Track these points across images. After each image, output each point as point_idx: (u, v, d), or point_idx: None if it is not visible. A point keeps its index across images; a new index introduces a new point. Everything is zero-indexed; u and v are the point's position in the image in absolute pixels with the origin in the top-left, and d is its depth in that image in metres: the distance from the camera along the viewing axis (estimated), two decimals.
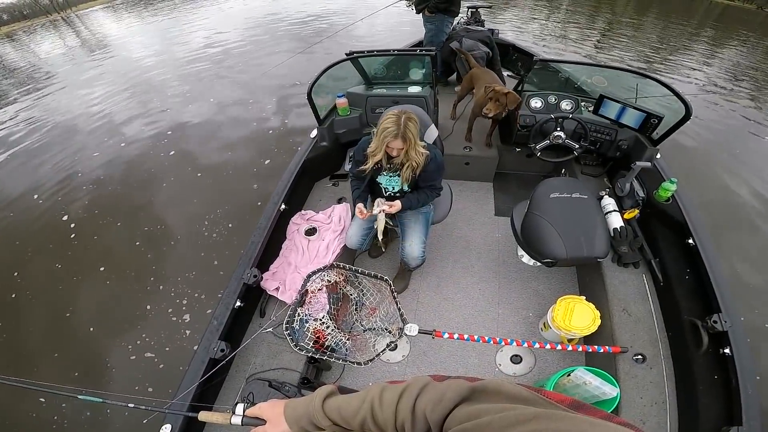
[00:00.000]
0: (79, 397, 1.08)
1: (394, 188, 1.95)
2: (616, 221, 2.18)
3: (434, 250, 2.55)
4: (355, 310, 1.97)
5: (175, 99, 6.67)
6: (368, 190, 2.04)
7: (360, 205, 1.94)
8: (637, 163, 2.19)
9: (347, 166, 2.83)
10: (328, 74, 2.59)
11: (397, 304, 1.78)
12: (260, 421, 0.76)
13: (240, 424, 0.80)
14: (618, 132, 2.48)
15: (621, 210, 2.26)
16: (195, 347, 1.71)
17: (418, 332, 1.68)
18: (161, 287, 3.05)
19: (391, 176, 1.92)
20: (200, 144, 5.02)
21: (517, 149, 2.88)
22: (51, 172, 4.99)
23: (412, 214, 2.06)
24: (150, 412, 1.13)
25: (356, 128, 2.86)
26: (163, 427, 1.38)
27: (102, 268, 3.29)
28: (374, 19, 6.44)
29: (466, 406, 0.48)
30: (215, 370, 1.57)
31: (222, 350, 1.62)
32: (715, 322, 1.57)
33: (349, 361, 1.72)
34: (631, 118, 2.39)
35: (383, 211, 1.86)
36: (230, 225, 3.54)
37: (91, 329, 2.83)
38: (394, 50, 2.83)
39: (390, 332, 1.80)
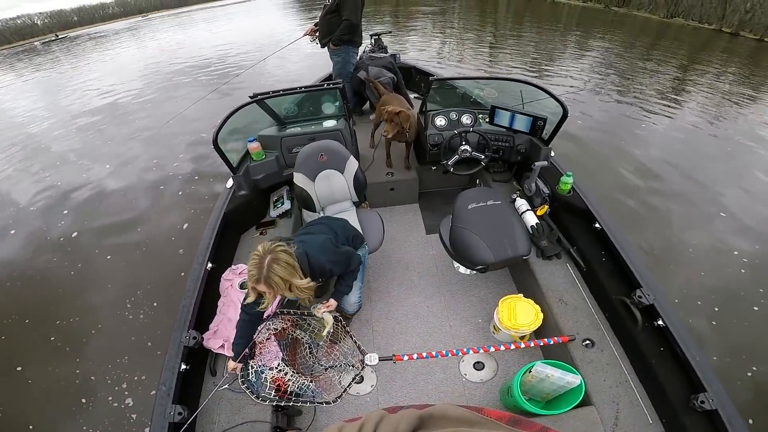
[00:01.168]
0: None
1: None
2: (531, 219, 2.39)
3: (377, 277, 2.59)
4: (309, 351, 1.95)
5: (69, 165, 5.94)
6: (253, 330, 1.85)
7: (231, 364, 1.73)
8: (536, 163, 2.43)
9: (273, 212, 2.75)
10: (238, 119, 2.51)
11: (352, 338, 1.79)
12: None
13: None
14: (514, 138, 2.73)
15: (533, 208, 2.49)
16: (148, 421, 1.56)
17: (379, 360, 1.70)
18: (92, 377, 2.73)
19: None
20: (104, 219, 4.49)
21: (433, 167, 3.06)
22: None
23: None
24: None
25: (275, 171, 2.80)
26: None
27: (19, 368, 2.87)
28: (288, 54, 6.45)
29: None
30: None
31: (180, 413, 1.53)
32: (640, 297, 1.71)
33: (317, 402, 1.72)
34: (521, 123, 2.66)
35: (324, 312, 1.82)
36: (155, 304, 3.25)
37: (31, 427, 2.49)
38: (301, 87, 2.86)
39: (353, 366, 1.81)
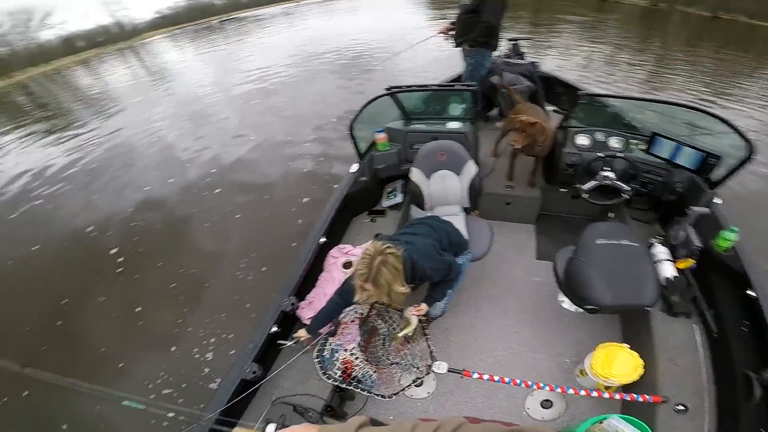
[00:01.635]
0: (123, 403, 1.17)
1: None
2: (668, 271, 2.02)
3: (471, 288, 2.48)
4: (383, 343, 1.98)
5: (220, 134, 7.04)
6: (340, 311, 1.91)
7: (303, 331, 1.84)
8: (694, 208, 2.03)
9: (385, 202, 2.84)
10: (369, 109, 2.65)
11: (427, 341, 1.77)
12: None
13: None
14: (672, 173, 2.33)
15: (674, 259, 2.09)
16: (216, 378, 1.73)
17: (447, 370, 1.65)
18: (190, 328, 3.12)
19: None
20: (241, 184, 5.17)
21: (562, 189, 2.78)
22: (104, 202, 5.39)
23: None
24: (188, 423, 1.22)
25: (395, 164, 2.87)
26: None
27: (138, 309, 3.41)
28: (415, 53, 6.62)
29: None
30: (247, 393, 1.63)
31: (254, 372, 1.68)
32: None
33: (374, 394, 1.73)
34: (686, 157, 2.23)
35: (413, 315, 1.81)
36: (264, 268, 3.57)
37: (121, 365, 2.91)
38: (433, 85, 2.86)
39: (417, 368, 1.80)
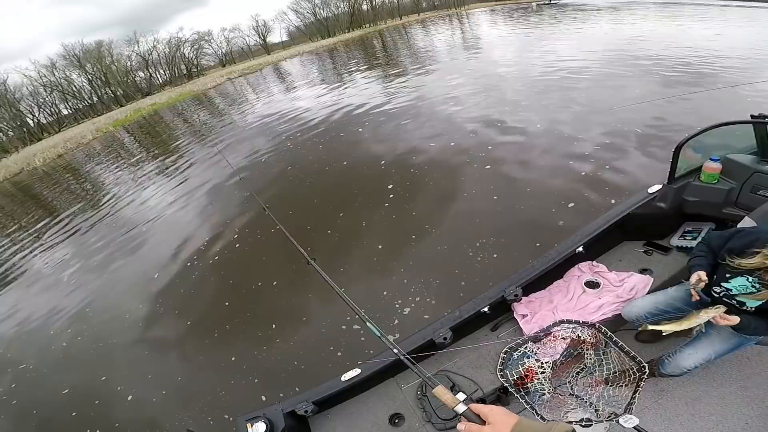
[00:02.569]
0: (367, 324, 1.39)
1: (738, 295, 1.47)
2: None
3: (725, 366, 1.98)
4: (577, 373, 1.85)
5: (510, 112, 7.29)
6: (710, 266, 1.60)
7: (702, 273, 1.53)
8: None
9: (675, 240, 2.39)
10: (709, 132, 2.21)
11: (636, 392, 1.58)
12: (479, 420, 0.72)
13: (461, 412, 0.76)
14: None
15: None
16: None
17: (635, 427, 1.44)
18: (405, 281, 3.48)
19: (754, 284, 1.41)
20: (509, 167, 5.21)
21: None
22: (397, 144, 6.63)
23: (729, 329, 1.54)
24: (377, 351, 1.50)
25: (716, 203, 2.34)
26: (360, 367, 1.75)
27: (380, 246, 4.04)
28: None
29: None
30: (428, 354, 1.79)
31: (444, 338, 1.79)
32: None
33: (534, 411, 1.64)
34: None
35: (712, 318, 1.47)
36: (495, 255, 3.55)
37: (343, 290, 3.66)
38: None
39: (597, 411, 1.63)
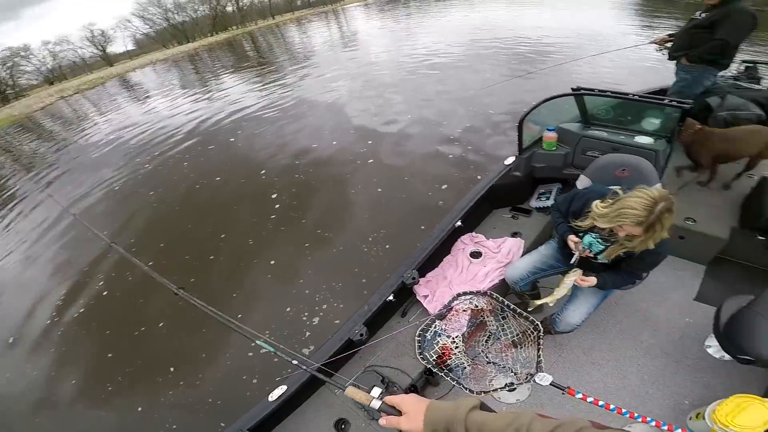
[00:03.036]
0: (257, 342, 1.33)
1: (594, 250, 1.69)
2: None
3: (603, 312, 2.27)
4: (486, 340, 1.95)
5: (387, 105, 7.51)
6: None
7: (573, 236, 1.71)
8: None
9: (533, 202, 2.70)
10: (542, 105, 2.54)
11: (539, 351, 1.69)
12: (395, 411, 0.75)
13: (377, 408, 0.78)
14: None
15: None
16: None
17: (550, 384, 1.56)
18: (307, 291, 3.36)
19: (597, 240, 1.65)
20: (389, 159, 5.38)
21: (760, 237, 2.27)
22: (277, 150, 6.23)
23: None
24: (293, 366, 1.37)
25: (557, 166, 2.70)
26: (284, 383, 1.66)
27: (272, 262, 3.80)
28: (600, 57, 5.94)
29: None
30: (348, 352, 1.75)
31: (361, 335, 1.79)
32: None
33: (462, 386, 1.71)
34: None
35: (573, 281, 1.69)
36: (387, 246, 3.66)
37: (240, 316, 3.18)
38: (633, 94, 2.57)
39: (515, 374, 1.74)
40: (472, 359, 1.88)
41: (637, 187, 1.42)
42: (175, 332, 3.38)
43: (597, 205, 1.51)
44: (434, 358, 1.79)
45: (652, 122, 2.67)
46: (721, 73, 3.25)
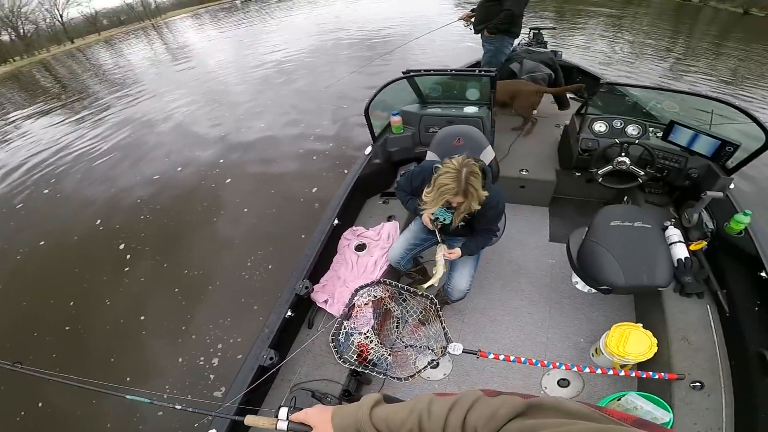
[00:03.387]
0: (128, 397, 1.12)
1: (445, 220, 1.88)
2: (680, 252, 2.06)
3: (483, 272, 2.52)
4: (396, 326, 1.99)
5: (233, 118, 6.99)
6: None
7: (426, 217, 1.86)
8: (708, 192, 2.05)
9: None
10: (386, 92, 2.66)
11: (442, 324, 1.77)
12: (306, 427, 0.74)
13: (285, 429, 0.78)
14: (688, 159, 2.34)
15: (687, 241, 2.13)
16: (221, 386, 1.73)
17: (462, 351, 1.65)
18: (194, 336, 3.02)
19: (445, 210, 1.85)
20: (248, 175, 4.99)
21: (577, 174, 2.80)
22: (113, 192, 5.23)
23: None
24: (200, 416, 1.19)
25: (409, 147, 2.91)
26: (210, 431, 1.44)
27: (143, 317, 3.27)
28: (434, 36, 6.57)
29: (519, 421, 0.46)
30: (263, 378, 1.62)
31: (271, 358, 1.68)
32: None
33: (390, 376, 1.74)
34: (703, 145, 2.25)
35: (443, 256, 1.86)
36: (270, 266, 3.46)
37: (128, 378, 2.81)
38: (452, 70, 2.86)
39: (432, 350, 1.80)
40: (391, 348, 1.91)
41: (444, 161, 1.63)
42: (42, 421, 2.69)
43: (425, 194, 1.70)
44: (354, 358, 1.77)
45: (474, 93, 3.04)
46: (516, 41, 3.91)
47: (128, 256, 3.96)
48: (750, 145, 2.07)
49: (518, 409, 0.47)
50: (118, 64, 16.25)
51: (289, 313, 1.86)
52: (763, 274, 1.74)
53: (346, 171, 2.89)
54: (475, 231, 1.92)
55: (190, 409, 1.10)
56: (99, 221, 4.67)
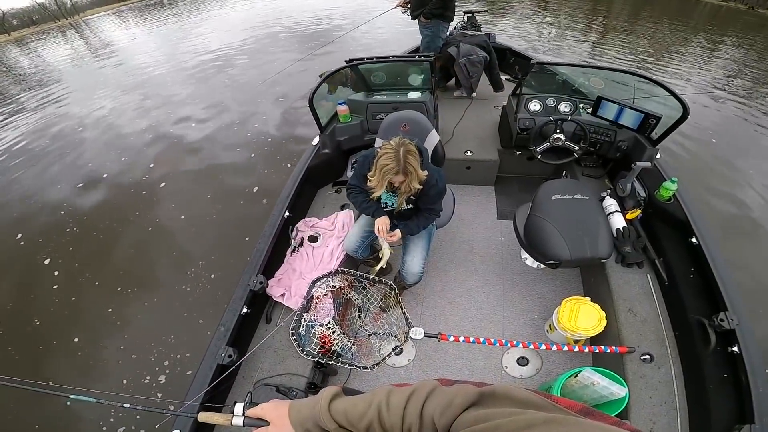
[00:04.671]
0: (71, 396, 1.04)
1: (393, 204, 1.91)
2: (618, 222, 2.19)
3: (437, 254, 2.56)
4: (358, 315, 1.99)
5: (167, 118, 6.47)
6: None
7: (381, 222, 1.88)
8: (638, 163, 2.20)
9: (350, 173, 2.86)
10: (333, 81, 2.65)
11: (402, 309, 1.78)
12: (263, 422, 0.73)
13: (242, 425, 0.76)
14: (617, 133, 2.50)
15: (623, 210, 2.28)
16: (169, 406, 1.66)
17: (424, 336, 1.67)
18: (134, 356, 2.79)
19: (390, 194, 1.89)
20: (184, 178, 4.63)
21: (518, 152, 2.91)
22: (34, 203, 4.68)
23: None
24: (161, 416, 1.09)
25: (357, 135, 2.89)
26: None
27: (76, 339, 2.97)
28: (376, 24, 6.48)
29: (473, 410, 0.48)
30: (223, 376, 1.56)
31: (230, 356, 1.62)
32: (722, 320, 1.56)
33: (355, 366, 1.73)
34: (629, 118, 2.41)
35: (386, 240, 1.87)
36: (213, 276, 3.22)
37: (68, 403, 2.50)
38: (393, 56, 2.85)
39: (395, 337, 1.81)
40: (354, 337, 1.89)
41: (383, 143, 1.66)
42: None
43: (369, 179, 1.71)
44: (317, 350, 1.75)
45: (416, 78, 3.07)
46: (452, 25, 3.96)
47: (56, 273, 3.57)
48: (671, 117, 2.22)
49: (471, 398, 0.49)
50: (35, 64, 14.53)
51: (245, 310, 1.79)
52: (693, 240, 1.87)
53: (289, 165, 2.85)
54: (418, 211, 1.94)
55: (140, 407, 1.04)
56: (19, 236, 4.16)
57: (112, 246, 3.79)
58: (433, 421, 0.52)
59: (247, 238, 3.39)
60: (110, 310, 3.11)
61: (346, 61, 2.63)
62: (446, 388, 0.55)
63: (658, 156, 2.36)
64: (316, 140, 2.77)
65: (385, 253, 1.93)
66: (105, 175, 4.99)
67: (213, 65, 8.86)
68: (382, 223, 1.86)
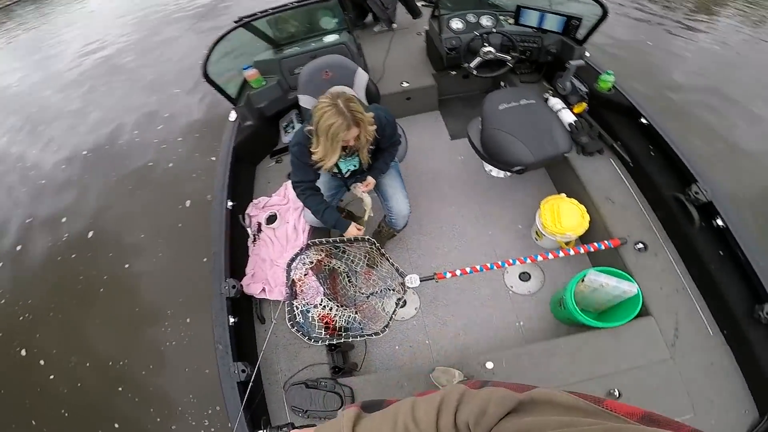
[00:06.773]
0: None
1: (355, 166, 1.75)
2: (568, 117, 2.25)
3: (410, 190, 2.45)
4: (348, 280, 1.89)
5: (66, 135, 5.32)
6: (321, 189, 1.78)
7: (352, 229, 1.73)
8: (571, 62, 2.25)
9: (285, 138, 2.58)
10: (230, 47, 2.29)
11: (388, 260, 1.69)
12: None
13: None
14: (543, 38, 2.52)
15: (569, 106, 2.33)
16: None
17: (420, 281, 1.61)
18: (173, 427, 2.41)
19: (347, 159, 1.70)
20: (111, 216, 3.74)
21: (452, 72, 2.88)
22: None
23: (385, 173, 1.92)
24: None
25: (279, 96, 2.60)
26: None
27: (116, 425, 2.49)
28: None
29: (514, 418, 0.45)
30: (249, 390, 1.44)
31: (243, 370, 1.49)
32: (696, 193, 1.57)
33: (367, 335, 1.64)
34: (552, 22, 2.42)
35: (363, 192, 1.76)
36: (189, 320, 2.76)
37: None
38: (291, 3, 2.52)
39: (394, 290, 1.74)
40: (354, 305, 1.81)
41: (314, 105, 1.42)
42: None
43: (313, 150, 1.48)
44: (323, 332, 1.62)
45: (329, 21, 2.79)
46: None
47: (42, 362, 2.81)
48: (592, 18, 2.24)
49: (509, 406, 0.45)
50: None
51: (231, 320, 1.63)
52: (643, 120, 1.93)
53: (214, 159, 2.47)
54: (379, 152, 1.79)
55: None
56: None
57: (80, 324, 3.01)
58: (468, 427, 0.48)
59: (204, 260, 2.88)
60: (120, 389, 2.60)
61: (234, 21, 2.26)
62: (476, 391, 0.51)
63: (587, 54, 2.41)
64: (233, 115, 2.43)
65: (367, 201, 1.84)
66: (19, 248, 3.73)
67: (97, 65, 7.45)
68: (353, 233, 1.71)
